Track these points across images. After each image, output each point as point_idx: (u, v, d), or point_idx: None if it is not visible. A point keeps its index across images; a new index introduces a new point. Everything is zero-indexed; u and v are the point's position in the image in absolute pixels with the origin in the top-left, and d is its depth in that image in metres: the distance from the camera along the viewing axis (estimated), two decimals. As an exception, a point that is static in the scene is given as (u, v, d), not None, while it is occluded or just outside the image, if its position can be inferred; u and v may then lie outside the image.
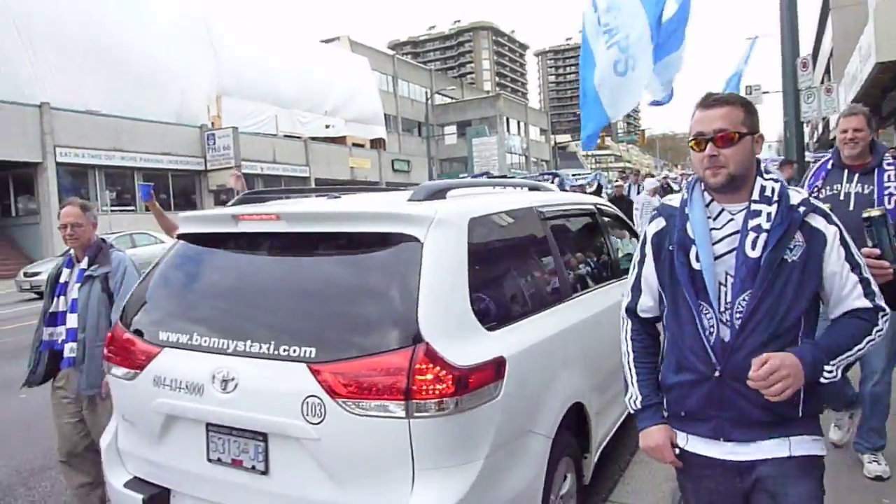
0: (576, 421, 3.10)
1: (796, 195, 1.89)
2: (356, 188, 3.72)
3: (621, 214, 5.05)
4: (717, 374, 1.82)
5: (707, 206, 1.93)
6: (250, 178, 31.93)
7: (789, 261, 1.80)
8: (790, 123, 8.60)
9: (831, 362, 1.77)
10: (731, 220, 1.88)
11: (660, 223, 2.04)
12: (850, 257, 1.85)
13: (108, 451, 2.90)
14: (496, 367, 2.41)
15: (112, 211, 25.93)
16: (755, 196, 1.86)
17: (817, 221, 1.84)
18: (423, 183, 3.09)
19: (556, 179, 8.34)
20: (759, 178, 1.89)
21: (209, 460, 2.55)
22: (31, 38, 25.01)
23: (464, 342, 2.36)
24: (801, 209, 1.85)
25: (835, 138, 3.91)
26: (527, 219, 3.26)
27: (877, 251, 2.33)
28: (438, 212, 2.53)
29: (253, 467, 2.45)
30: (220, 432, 2.53)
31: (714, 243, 1.88)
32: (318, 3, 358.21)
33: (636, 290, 2.09)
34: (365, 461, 2.26)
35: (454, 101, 63.56)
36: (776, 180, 1.90)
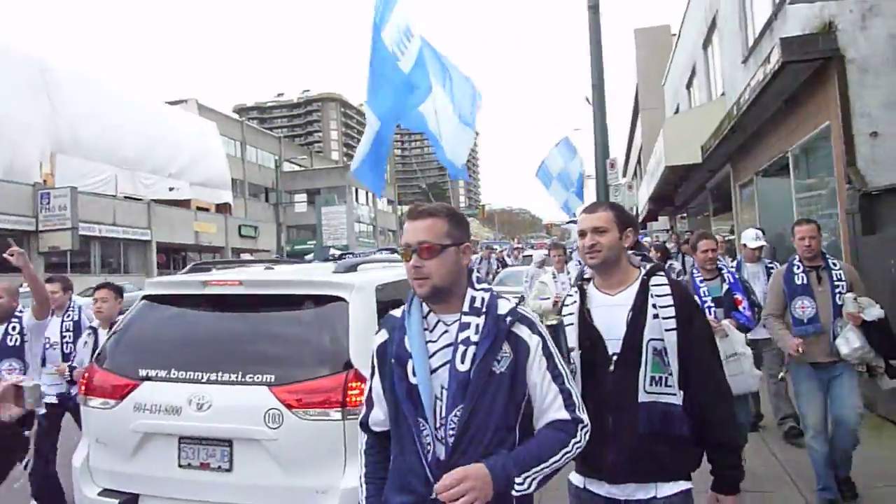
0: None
1: (505, 305, 1.89)
2: (275, 261, 4.71)
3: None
4: (433, 495, 1.72)
5: (425, 317, 1.94)
6: (86, 241, 30.55)
7: (498, 373, 1.79)
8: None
9: (523, 474, 1.72)
10: (446, 331, 1.89)
11: (383, 335, 2.03)
12: (551, 368, 1.85)
13: (81, 469, 3.59)
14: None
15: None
16: (465, 307, 1.87)
17: (522, 331, 1.85)
18: (342, 261, 4.20)
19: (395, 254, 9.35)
20: (470, 289, 1.90)
21: (180, 466, 3.38)
22: None
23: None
24: (508, 319, 1.85)
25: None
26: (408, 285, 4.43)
27: None
28: (357, 281, 3.64)
29: (219, 467, 3.32)
30: (191, 443, 3.38)
31: (431, 356, 1.87)
32: (164, 63, 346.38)
33: (368, 403, 2.07)
34: (310, 453, 3.23)
35: (303, 168, 64.30)
36: (486, 290, 1.92)
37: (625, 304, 2.25)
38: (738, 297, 4.53)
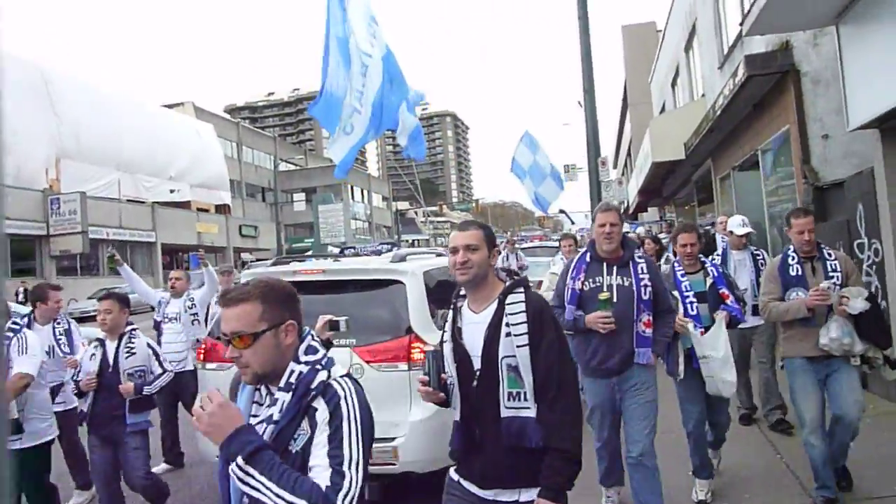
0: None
1: (321, 376, 1.81)
2: (340, 255, 5.80)
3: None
4: None
5: (258, 389, 1.92)
6: (95, 244, 31.46)
7: (293, 452, 1.73)
8: (595, 204, 11.72)
9: (251, 466, 1.62)
10: (274, 404, 1.82)
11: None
12: (333, 444, 1.71)
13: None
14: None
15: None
16: (281, 383, 1.81)
17: (319, 404, 1.76)
18: (395, 252, 5.25)
19: (394, 248, 9.57)
20: (292, 363, 1.83)
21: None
22: None
23: (427, 333, 4.53)
24: (312, 394, 1.77)
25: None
26: (445, 271, 5.53)
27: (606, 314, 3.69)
28: (409, 268, 4.73)
29: (314, 410, 4.42)
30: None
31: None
32: (154, 64, 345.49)
33: None
34: (385, 396, 4.30)
35: (299, 168, 65.17)
36: (308, 363, 1.83)
37: (484, 322, 2.38)
38: (724, 291, 4.45)
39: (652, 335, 3.88)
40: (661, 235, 14.36)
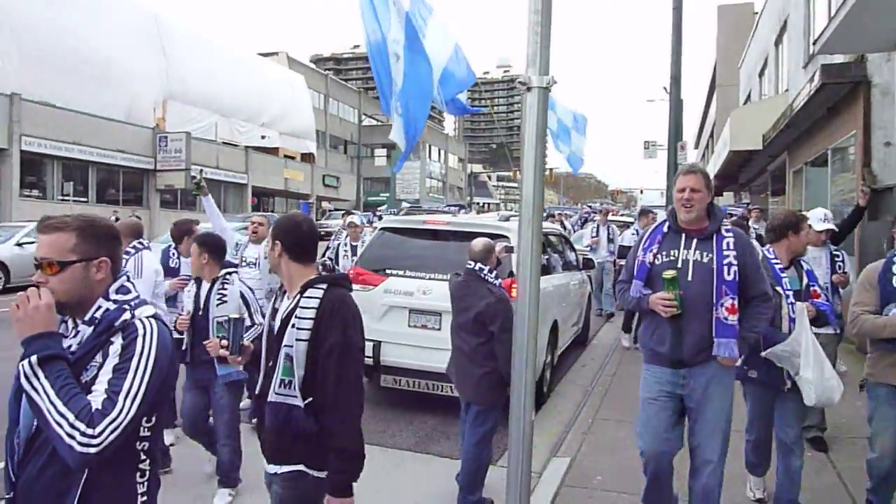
0: (553, 330, 6.66)
1: (126, 315, 1.86)
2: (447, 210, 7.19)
3: (566, 234, 8.75)
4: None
5: (65, 321, 2.00)
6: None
7: (83, 381, 1.76)
8: (671, 188, 12.66)
9: (42, 372, 1.71)
10: (76, 336, 1.89)
11: None
12: (115, 376, 1.76)
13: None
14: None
15: (73, 201, 27.44)
16: (87, 317, 1.86)
17: (116, 339, 1.81)
18: (500, 213, 6.58)
19: (462, 210, 9.52)
20: (101, 300, 1.88)
21: (409, 326, 5.90)
22: (-3, 29, 26.33)
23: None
24: (113, 330, 1.84)
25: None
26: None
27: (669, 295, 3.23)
28: (512, 226, 6.04)
29: (433, 328, 5.82)
30: (417, 313, 5.89)
31: None
32: (247, 13, 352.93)
33: None
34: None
35: (380, 123, 66.91)
36: (116, 301, 1.89)
37: (286, 309, 2.51)
38: (816, 288, 3.99)
39: (738, 327, 3.26)
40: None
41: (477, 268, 4.39)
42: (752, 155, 16.16)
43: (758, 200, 22.19)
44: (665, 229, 3.53)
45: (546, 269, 6.89)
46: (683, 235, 3.44)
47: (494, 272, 4.44)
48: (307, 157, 48.64)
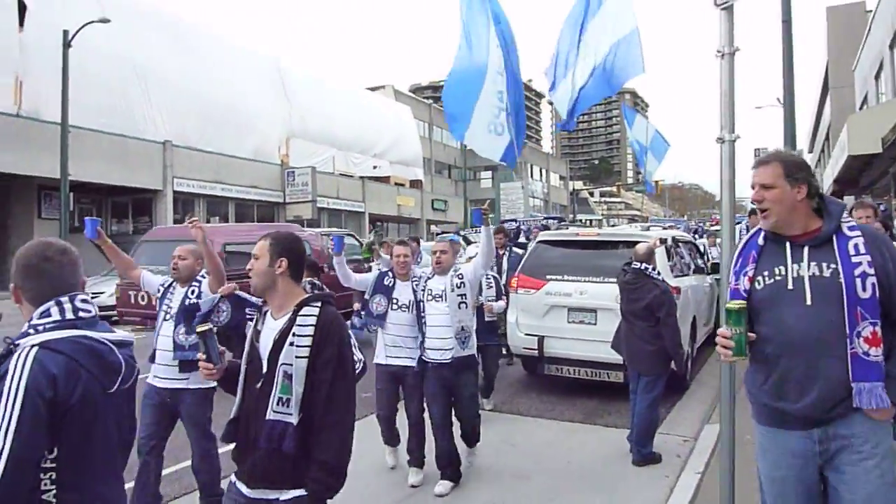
0: (692, 325, 7.60)
1: (25, 340, 1.82)
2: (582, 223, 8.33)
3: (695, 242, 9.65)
4: None
5: None
6: (319, 212, 36.69)
7: None
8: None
9: None
10: None
11: None
12: None
13: (514, 325, 7.36)
14: (680, 290, 6.90)
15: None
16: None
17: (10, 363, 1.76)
18: (643, 223, 7.63)
19: (560, 222, 9.04)
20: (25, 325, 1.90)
21: (568, 322, 7.04)
22: (146, 83, 29.79)
23: (665, 276, 6.85)
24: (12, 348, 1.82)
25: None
26: (673, 238, 7.83)
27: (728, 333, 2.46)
28: (652, 234, 7.08)
29: (590, 323, 6.94)
30: (575, 311, 7.03)
31: None
32: (350, 49, 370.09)
33: None
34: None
35: (482, 147, 68.69)
36: (31, 324, 1.90)
37: (278, 329, 2.49)
38: None
39: (884, 363, 2.34)
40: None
41: (643, 267, 5.48)
42: (873, 158, 16.20)
43: (883, 203, 21.78)
44: (761, 240, 2.58)
45: (683, 272, 7.86)
46: (788, 245, 2.49)
47: (656, 269, 5.50)
48: (415, 184, 51.00)
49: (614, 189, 73.73)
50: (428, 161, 58.39)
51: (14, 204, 25.85)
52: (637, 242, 6.97)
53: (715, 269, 10.01)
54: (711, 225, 31.52)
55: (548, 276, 7.22)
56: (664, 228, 15.99)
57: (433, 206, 50.15)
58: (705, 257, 9.53)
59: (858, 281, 2.35)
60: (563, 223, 9.38)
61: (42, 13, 25.32)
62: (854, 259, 2.38)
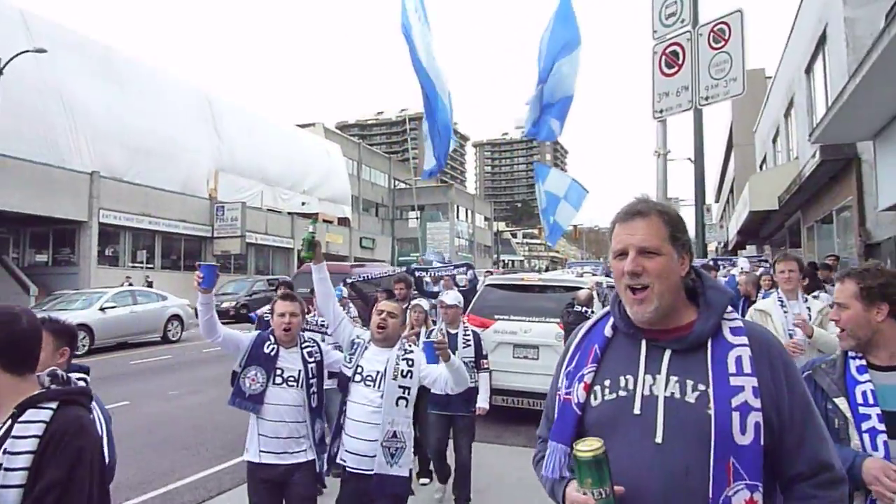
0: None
1: None
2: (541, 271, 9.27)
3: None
4: None
5: None
6: (246, 247, 36.55)
7: None
8: (699, 244, 14.66)
9: None
10: None
11: None
12: None
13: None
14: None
15: (145, 267, 29.93)
16: None
17: None
18: (565, 271, 8.63)
19: (469, 269, 9.94)
20: None
21: (514, 357, 7.88)
22: (73, 113, 29.31)
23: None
24: None
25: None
26: (602, 284, 8.84)
27: None
28: (587, 281, 8.07)
29: (533, 358, 7.80)
30: (520, 347, 7.87)
31: None
32: (279, 85, 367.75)
33: None
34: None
35: (408, 186, 69.96)
36: None
37: None
38: None
39: None
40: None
41: (583, 310, 6.39)
42: (770, 214, 18.13)
43: (778, 252, 24.04)
44: (609, 330, 1.74)
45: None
46: (644, 343, 1.67)
47: (593, 310, 6.42)
48: (343, 221, 51.40)
49: (536, 231, 76.42)
50: (356, 199, 59.00)
51: (-75, 232, 24.75)
52: (572, 287, 7.96)
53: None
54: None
55: (495, 316, 8.05)
56: (584, 271, 17.04)
57: (361, 245, 50.60)
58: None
59: (735, 417, 1.50)
60: (468, 269, 9.19)
61: (-33, 38, 24.73)
62: (734, 381, 1.54)
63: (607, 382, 1.66)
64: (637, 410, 1.59)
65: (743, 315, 6.11)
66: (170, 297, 18.61)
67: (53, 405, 1.79)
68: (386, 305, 3.73)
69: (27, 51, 21.63)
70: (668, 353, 1.62)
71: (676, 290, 1.66)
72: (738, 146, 36.39)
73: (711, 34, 3.62)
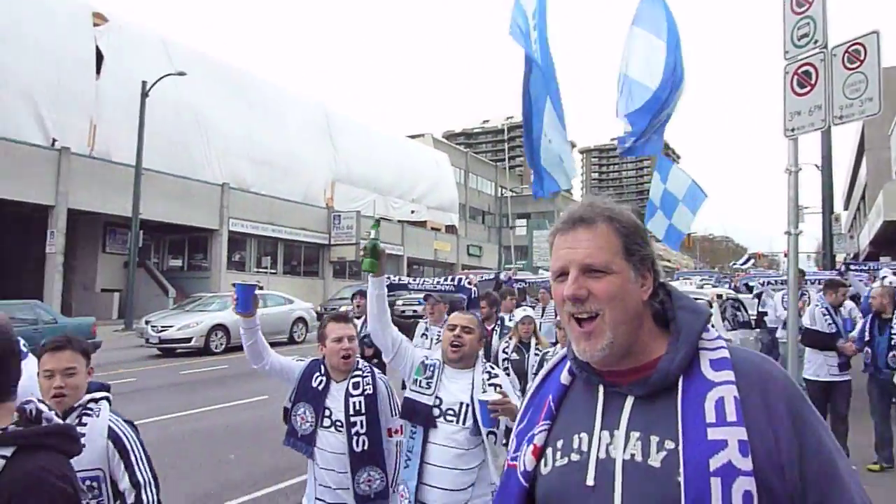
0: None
1: None
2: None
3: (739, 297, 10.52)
4: None
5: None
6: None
7: None
8: (827, 256, 14.00)
9: None
10: None
11: None
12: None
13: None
14: (731, 342, 7.88)
15: (269, 273, 31.90)
16: None
17: None
18: (679, 282, 8.62)
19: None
20: None
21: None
22: (206, 130, 31.67)
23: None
24: None
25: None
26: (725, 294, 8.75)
27: None
28: (708, 292, 8.03)
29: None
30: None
31: None
32: (388, 97, 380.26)
33: None
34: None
35: (515, 194, 70.12)
36: None
37: None
38: None
39: None
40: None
41: None
42: (907, 223, 17.00)
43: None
44: (565, 376, 1.36)
45: (732, 327, 8.73)
46: (602, 390, 1.27)
47: (713, 324, 6.44)
48: (451, 229, 52.33)
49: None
50: (463, 207, 59.84)
51: (80, 239, 27.50)
52: (693, 299, 7.96)
53: (758, 323, 10.87)
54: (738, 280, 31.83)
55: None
56: (703, 282, 16.88)
57: (468, 252, 51.31)
58: (747, 311, 10.36)
59: (715, 485, 1.07)
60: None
61: (116, 63, 27.40)
62: (713, 434, 1.10)
63: (560, 443, 1.26)
64: (590, 481, 1.17)
65: (872, 334, 5.82)
66: (296, 301, 19.84)
67: (7, 452, 1.39)
68: (459, 318, 3.03)
69: (169, 74, 23.66)
70: (629, 401, 1.20)
71: (636, 318, 1.23)
72: (871, 150, 34.06)
73: (846, 55, 3.66)
